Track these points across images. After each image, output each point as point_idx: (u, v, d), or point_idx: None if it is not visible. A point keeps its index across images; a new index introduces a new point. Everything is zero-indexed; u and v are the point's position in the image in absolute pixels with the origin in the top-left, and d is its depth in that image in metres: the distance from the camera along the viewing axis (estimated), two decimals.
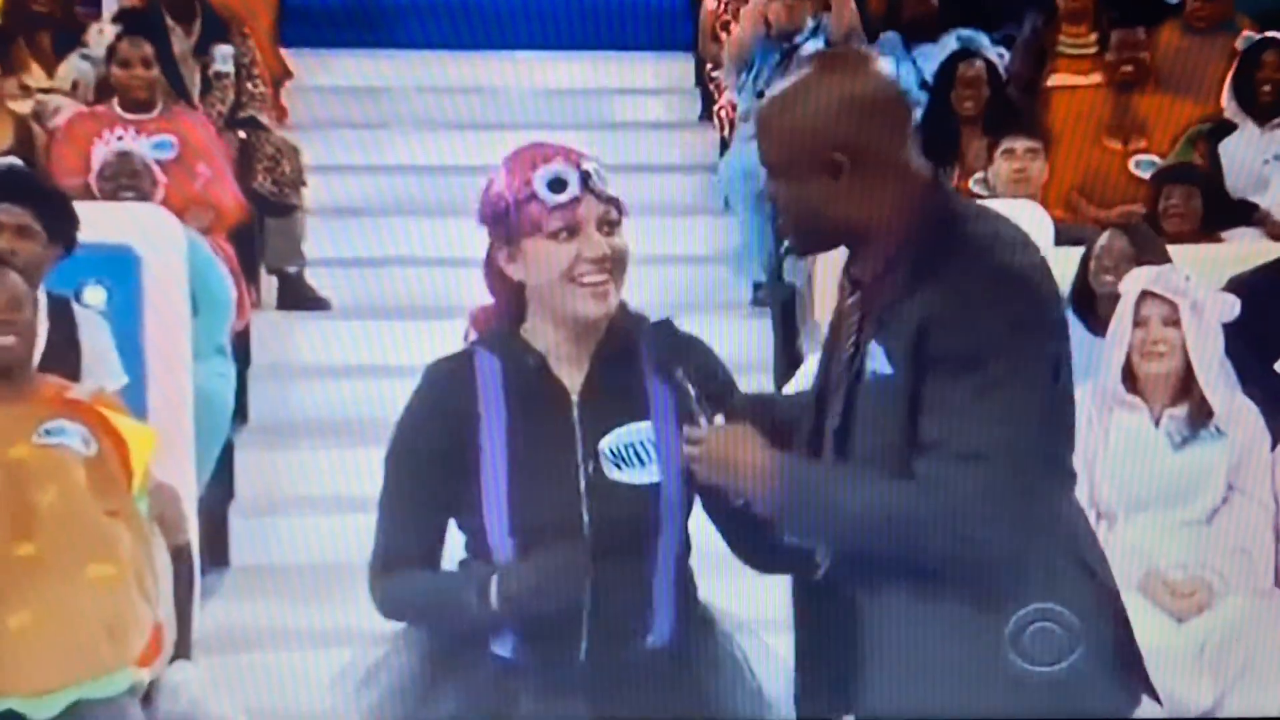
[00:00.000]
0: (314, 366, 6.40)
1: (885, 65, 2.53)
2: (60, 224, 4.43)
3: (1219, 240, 6.04)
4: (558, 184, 2.56)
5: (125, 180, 5.63)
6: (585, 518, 2.57)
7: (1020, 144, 6.11)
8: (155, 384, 4.83)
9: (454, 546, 2.68)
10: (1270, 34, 6.59)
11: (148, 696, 3.84)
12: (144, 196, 5.58)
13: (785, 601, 2.66)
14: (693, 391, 2.55)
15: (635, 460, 2.59)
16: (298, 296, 6.82)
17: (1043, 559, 2.41)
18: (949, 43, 7.05)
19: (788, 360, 6.07)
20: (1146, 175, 6.48)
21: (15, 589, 3.64)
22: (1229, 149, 6.46)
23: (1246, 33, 6.81)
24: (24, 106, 6.58)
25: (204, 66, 6.96)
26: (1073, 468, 2.53)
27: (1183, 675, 4.14)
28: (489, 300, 2.68)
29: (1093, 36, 7.19)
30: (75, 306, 4.55)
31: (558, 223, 2.55)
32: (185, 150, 6.22)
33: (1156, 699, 2.57)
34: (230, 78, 6.98)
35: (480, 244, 2.67)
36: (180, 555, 4.11)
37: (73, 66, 6.89)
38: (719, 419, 2.53)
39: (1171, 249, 5.06)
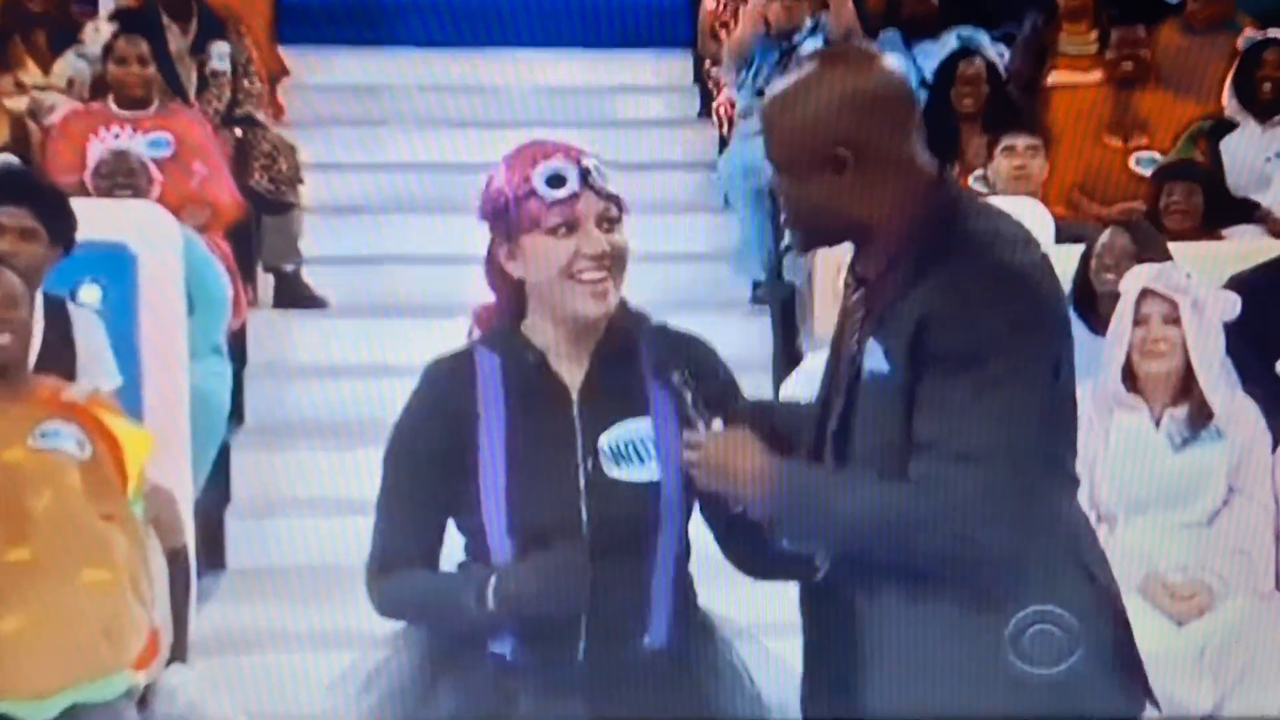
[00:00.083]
0: (311, 366, 6.40)
1: (892, 61, 2.52)
2: (61, 225, 4.42)
3: (1220, 238, 6.03)
4: (556, 180, 2.55)
5: (122, 179, 5.62)
6: (584, 515, 2.56)
7: (1021, 141, 6.11)
8: (151, 383, 4.83)
9: (453, 549, 2.67)
10: (1271, 33, 6.59)
11: (144, 700, 3.83)
12: (140, 195, 5.57)
13: (787, 605, 2.64)
14: (689, 396, 2.54)
15: (635, 458, 2.58)
16: (295, 295, 6.81)
17: (1042, 561, 2.40)
18: (949, 41, 7.07)
19: (787, 359, 6.06)
20: (1147, 172, 6.48)
21: (10, 593, 3.63)
22: (1230, 146, 6.46)
23: (1248, 32, 6.81)
24: (19, 104, 6.57)
25: (200, 64, 6.96)
26: (1075, 470, 2.52)
27: (1183, 678, 4.13)
28: (490, 298, 2.67)
29: (1093, 34, 7.20)
30: (70, 306, 4.54)
31: (556, 218, 2.55)
32: (181, 148, 6.21)
33: (1155, 704, 2.55)
34: (227, 75, 6.97)
35: (479, 241, 2.67)
36: (176, 558, 4.11)
37: (69, 64, 6.89)
38: (717, 423, 2.52)
39: (1172, 247, 5.06)
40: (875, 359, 2.42)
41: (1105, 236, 5.02)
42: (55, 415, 3.78)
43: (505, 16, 7.59)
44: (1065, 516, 2.48)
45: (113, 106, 6.30)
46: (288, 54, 7.90)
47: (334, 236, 7.07)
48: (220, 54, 6.96)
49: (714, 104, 7.74)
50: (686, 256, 6.86)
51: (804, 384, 4.27)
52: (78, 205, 4.58)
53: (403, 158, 7.37)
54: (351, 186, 7.30)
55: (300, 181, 6.92)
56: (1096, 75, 7.01)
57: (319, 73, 7.97)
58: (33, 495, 3.67)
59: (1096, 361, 4.36)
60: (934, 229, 2.42)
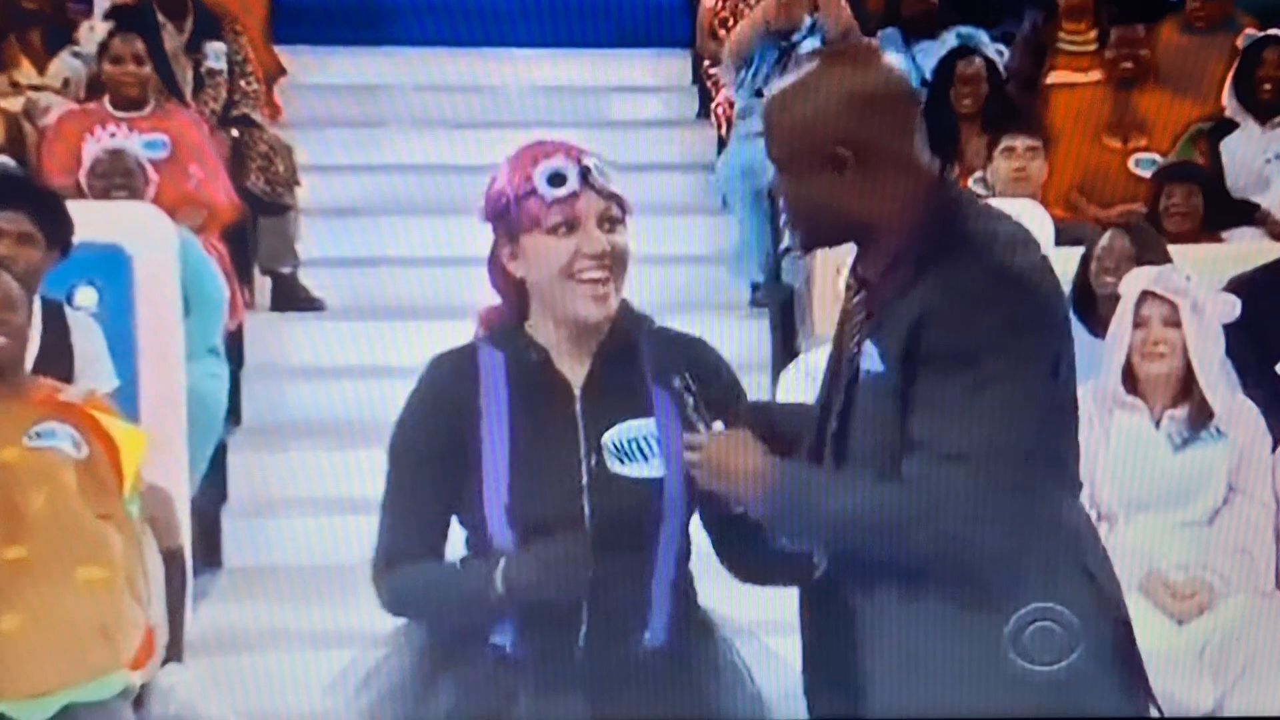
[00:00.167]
0: (308, 367, 6.39)
1: (893, 59, 2.51)
2: (58, 229, 4.43)
3: (1219, 240, 6.03)
4: (557, 179, 2.56)
5: (118, 179, 5.61)
6: (586, 511, 2.56)
7: (1020, 142, 6.11)
8: (147, 384, 4.83)
9: (455, 545, 2.66)
10: (1271, 32, 6.59)
11: (140, 700, 3.83)
12: (136, 195, 5.56)
13: (787, 604, 2.64)
14: (689, 400, 2.54)
15: (638, 455, 2.59)
16: (291, 297, 6.81)
17: (1042, 562, 2.40)
18: (948, 40, 7.06)
19: (786, 361, 6.05)
20: (1147, 174, 6.49)
21: (6, 592, 3.63)
22: (1230, 147, 6.46)
23: (1248, 31, 6.80)
24: (15, 104, 6.56)
25: (196, 64, 6.94)
26: (1076, 471, 2.51)
27: (1183, 677, 4.14)
28: (492, 299, 2.68)
29: (1092, 33, 7.20)
30: (68, 310, 4.55)
31: (557, 217, 2.56)
32: (177, 150, 6.20)
33: (1155, 704, 2.55)
34: (223, 75, 6.96)
35: (477, 243, 2.67)
36: (172, 557, 4.11)
37: (64, 64, 6.87)
38: (718, 425, 2.52)
39: (1172, 249, 5.06)
40: (872, 359, 2.42)
41: (1105, 239, 5.03)
42: (51, 415, 3.78)
43: (502, 16, 7.58)
44: (1066, 518, 2.47)
45: (108, 107, 6.28)
46: (284, 54, 7.88)
47: (331, 238, 7.06)
48: (216, 53, 6.95)
49: (713, 104, 7.73)
50: (684, 259, 6.86)
51: (802, 377, 4.28)
52: (73, 208, 4.58)
53: (400, 159, 7.36)
54: (349, 188, 7.30)
55: (297, 183, 6.91)
56: (1096, 74, 7.01)
57: (316, 73, 7.96)
58: (28, 494, 3.66)
59: (1096, 363, 4.36)
60: (934, 230, 2.42)
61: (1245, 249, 5.64)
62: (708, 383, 2.59)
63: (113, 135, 5.74)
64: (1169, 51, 7.07)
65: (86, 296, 4.80)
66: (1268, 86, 6.52)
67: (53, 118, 6.39)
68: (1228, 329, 4.35)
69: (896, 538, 2.36)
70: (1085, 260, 5.02)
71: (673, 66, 8.37)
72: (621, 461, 2.57)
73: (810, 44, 6.73)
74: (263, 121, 7.06)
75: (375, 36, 7.96)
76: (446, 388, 2.61)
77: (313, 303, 6.80)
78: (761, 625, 2.74)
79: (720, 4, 7.67)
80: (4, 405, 3.76)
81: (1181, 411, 4.34)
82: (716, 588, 2.71)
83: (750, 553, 2.59)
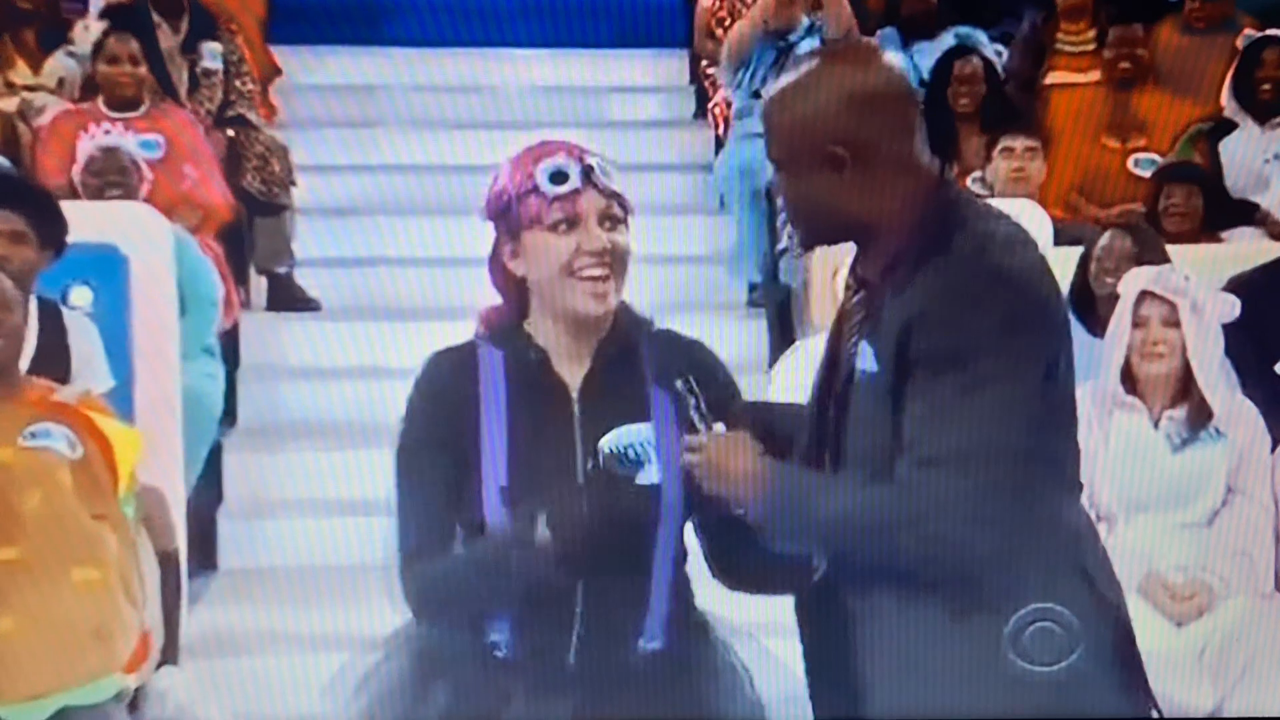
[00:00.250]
0: (303, 368, 6.39)
1: (893, 59, 2.51)
2: (52, 229, 4.43)
3: (1219, 240, 6.02)
4: (559, 176, 2.57)
5: (112, 177, 5.59)
6: (584, 513, 2.55)
7: (1019, 143, 6.12)
8: (142, 385, 4.83)
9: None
10: (1271, 32, 6.58)
11: (134, 702, 3.82)
12: (130, 193, 5.55)
13: (785, 606, 2.64)
14: (693, 402, 2.55)
15: (635, 460, 2.59)
16: (287, 297, 6.80)
17: (1039, 564, 2.39)
18: (946, 40, 7.06)
19: None
20: (1146, 174, 6.49)
21: (0, 593, 3.61)
22: (1229, 148, 6.46)
23: (1247, 31, 6.80)
24: (10, 104, 6.55)
25: (191, 64, 6.93)
26: (1076, 473, 2.51)
27: (1183, 679, 4.13)
28: (492, 299, 2.68)
29: (1091, 33, 7.21)
30: (64, 311, 4.55)
31: (558, 214, 2.57)
32: (172, 151, 6.20)
33: (1156, 707, 2.55)
34: (218, 75, 6.95)
35: (474, 243, 2.68)
36: (167, 559, 4.10)
37: (59, 63, 6.86)
38: (719, 427, 2.52)
39: (1171, 249, 5.05)
40: (866, 359, 2.42)
41: (1105, 239, 5.02)
42: (45, 415, 3.78)
43: (499, 16, 7.57)
44: (1066, 520, 2.47)
45: (103, 107, 6.27)
46: (280, 53, 7.88)
47: (327, 238, 7.06)
48: (212, 53, 6.94)
49: (710, 104, 7.72)
50: (682, 259, 6.87)
51: (803, 359, 4.25)
52: (68, 208, 4.59)
53: (396, 159, 7.36)
54: (345, 188, 7.30)
55: (293, 183, 6.91)
56: (1095, 75, 7.01)
57: (312, 73, 7.95)
58: (22, 494, 3.65)
59: (1095, 364, 4.35)
60: (933, 230, 2.42)
61: (1244, 249, 5.64)
62: (706, 384, 2.59)
63: (107, 131, 5.73)
64: (1168, 52, 7.07)
65: (81, 296, 4.80)
66: (1267, 87, 6.51)
67: (47, 117, 6.38)
68: (1227, 329, 4.35)
69: (887, 540, 2.36)
70: (1084, 260, 5.02)
71: (670, 67, 8.37)
72: (618, 466, 2.57)
73: (808, 44, 6.71)
74: (259, 121, 7.06)
75: (371, 36, 7.96)
76: (447, 385, 2.61)
77: (308, 303, 6.79)
78: (761, 628, 2.74)
79: (718, 4, 7.67)
80: None
81: (1180, 412, 4.33)
82: (714, 590, 2.71)
83: (743, 559, 2.59)
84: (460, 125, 7.11)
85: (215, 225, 6.26)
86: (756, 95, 6.67)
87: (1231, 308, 4.36)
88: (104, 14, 6.92)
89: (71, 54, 6.86)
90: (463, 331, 2.70)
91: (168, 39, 6.82)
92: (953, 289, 2.35)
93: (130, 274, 4.91)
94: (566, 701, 2.58)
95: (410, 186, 7.05)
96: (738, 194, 6.84)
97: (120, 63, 6.29)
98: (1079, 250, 5.06)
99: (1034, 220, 4.68)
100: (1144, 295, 4.35)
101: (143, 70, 6.34)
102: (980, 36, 7.11)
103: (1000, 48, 7.24)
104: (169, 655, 3.99)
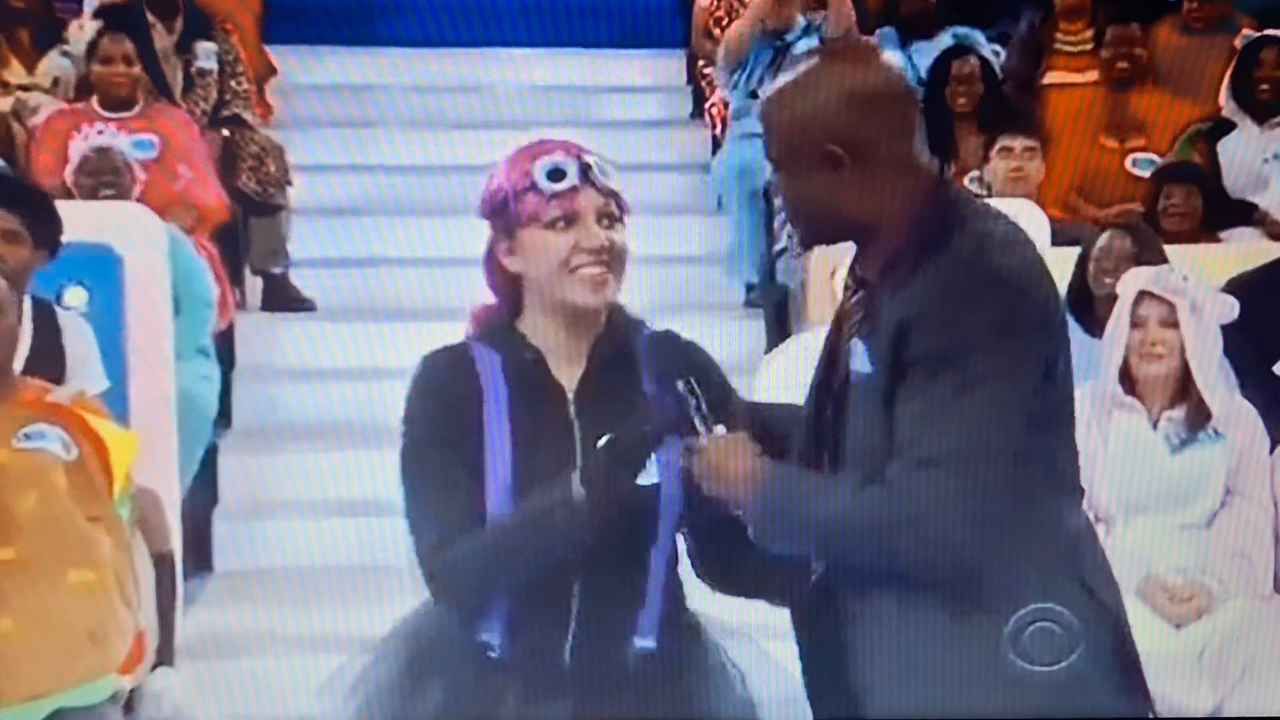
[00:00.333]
0: (299, 369, 6.38)
1: (892, 58, 2.51)
2: (46, 229, 4.42)
3: (1218, 240, 6.02)
4: (556, 173, 2.58)
5: (106, 177, 5.59)
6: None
7: (1018, 143, 6.12)
8: (137, 385, 4.84)
9: None
10: (1269, 32, 6.58)
11: (130, 704, 3.81)
12: (124, 193, 5.55)
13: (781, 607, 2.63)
14: (694, 403, 2.54)
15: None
16: (283, 298, 6.80)
17: (1036, 568, 2.39)
18: (945, 40, 7.07)
19: None
20: (1145, 174, 6.48)
21: None
22: (1228, 148, 6.46)
23: (1246, 31, 6.81)
24: (4, 104, 6.55)
25: (186, 64, 6.92)
26: (1075, 475, 2.50)
27: (1181, 681, 4.14)
28: (486, 299, 2.68)
29: (1089, 33, 7.21)
30: (59, 311, 4.55)
31: (556, 212, 2.57)
32: (166, 151, 6.20)
33: (1154, 710, 2.57)
34: (213, 75, 6.94)
35: (470, 243, 2.69)
36: (162, 560, 4.10)
37: (53, 63, 6.86)
38: (719, 428, 2.52)
39: (1170, 249, 5.05)
40: (860, 360, 2.43)
41: (1104, 239, 5.02)
42: (40, 417, 3.76)
43: (496, 16, 7.57)
44: (1065, 523, 2.46)
45: (97, 107, 6.26)
46: (276, 53, 7.87)
47: (323, 239, 7.06)
48: (207, 53, 6.93)
49: (706, 104, 7.72)
50: (679, 259, 6.87)
51: (800, 351, 4.24)
52: (62, 208, 4.58)
53: (392, 159, 7.36)
54: (340, 188, 7.30)
55: (288, 183, 6.90)
56: (1093, 75, 7.02)
57: (308, 73, 7.94)
58: (17, 496, 3.64)
59: (1093, 364, 4.34)
60: (932, 230, 2.42)
61: (1243, 249, 5.64)
62: (703, 386, 2.57)
63: (100, 131, 5.72)
64: (1167, 52, 7.08)
65: (76, 296, 4.80)
66: (1265, 87, 6.51)
67: (42, 117, 6.38)
68: (1226, 329, 4.35)
69: (885, 540, 2.35)
70: (1083, 260, 5.02)
71: (667, 67, 8.37)
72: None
73: (805, 44, 6.71)
74: (254, 121, 7.06)
75: (367, 36, 7.96)
76: (446, 384, 2.61)
77: (304, 303, 6.79)
78: (756, 629, 2.74)
79: (715, 4, 7.67)
80: None
81: (1179, 412, 4.33)
82: (708, 591, 2.70)
83: (731, 562, 2.59)
84: (457, 125, 7.12)
85: (210, 225, 6.26)
86: (754, 95, 6.67)
87: (1230, 308, 4.35)
88: (98, 13, 6.92)
89: (66, 53, 6.86)
90: (458, 332, 2.69)
91: (162, 38, 6.82)
92: (951, 289, 2.35)
93: (125, 274, 4.92)
94: (561, 702, 2.58)
95: (406, 186, 7.05)
96: (735, 194, 6.84)
97: (115, 62, 6.29)
98: (1077, 250, 5.06)
99: (1032, 220, 4.69)
100: (1142, 295, 4.34)
101: (137, 70, 6.34)
102: (978, 36, 7.12)
103: (998, 47, 7.26)
104: (164, 656, 3.99)
